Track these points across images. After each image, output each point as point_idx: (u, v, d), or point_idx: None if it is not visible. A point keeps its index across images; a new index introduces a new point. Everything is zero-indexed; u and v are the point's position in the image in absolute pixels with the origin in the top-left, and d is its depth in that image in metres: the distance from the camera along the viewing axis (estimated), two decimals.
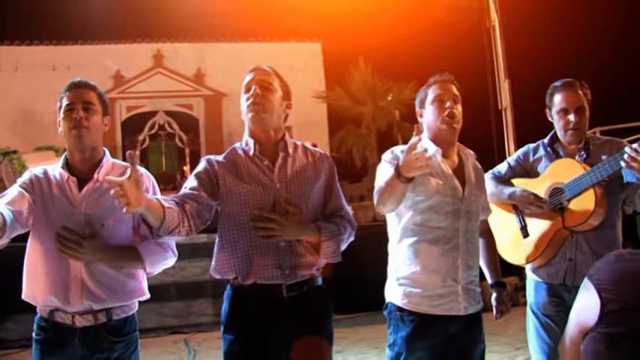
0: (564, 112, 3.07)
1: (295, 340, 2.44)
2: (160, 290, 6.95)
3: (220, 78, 14.11)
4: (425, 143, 2.75)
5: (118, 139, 14.21)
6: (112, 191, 2.08)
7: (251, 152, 2.53)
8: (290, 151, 2.57)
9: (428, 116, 2.79)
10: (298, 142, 2.66)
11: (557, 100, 3.10)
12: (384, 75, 13.44)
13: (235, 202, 2.46)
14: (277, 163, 2.52)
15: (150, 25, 13.96)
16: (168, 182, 12.68)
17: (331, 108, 14.29)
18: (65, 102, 2.52)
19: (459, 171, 2.76)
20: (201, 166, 2.55)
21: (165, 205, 2.28)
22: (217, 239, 2.53)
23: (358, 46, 13.08)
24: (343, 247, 2.63)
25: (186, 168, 12.77)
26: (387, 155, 2.79)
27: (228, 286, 2.53)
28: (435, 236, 2.68)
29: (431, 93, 2.78)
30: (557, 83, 3.14)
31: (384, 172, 2.67)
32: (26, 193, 2.50)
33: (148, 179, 2.62)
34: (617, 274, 1.95)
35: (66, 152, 2.61)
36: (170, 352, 6.40)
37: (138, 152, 2.22)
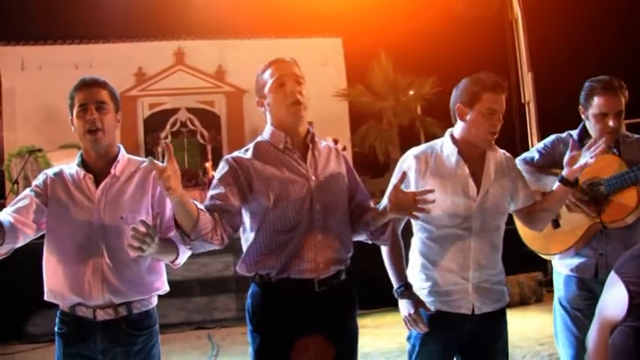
0: (603, 116, 2.94)
1: (322, 334, 2.42)
2: (183, 286, 7.00)
3: (241, 74, 14.14)
4: (445, 141, 2.75)
5: (140, 136, 14.36)
6: (153, 172, 2.10)
7: (281, 145, 2.46)
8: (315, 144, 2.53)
9: (472, 121, 2.66)
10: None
11: (597, 103, 2.94)
12: (405, 69, 13.41)
13: (276, 196, 2.37)
14: (308, 156, 2.47)
15: (171, 22, 14.06)
16: (191, 179, 12.79)
17: (352, 104, 14.29)
18: (78, 102, 2.51)
19: (479, 169, 2.71)
20: (224, 168, 2.43)
21: (200, 207, 2.23)
22: (251, 235, 2.44)
23: (379, 41, 13.07)
24: None
25: (208, 164, 12.85)
26: (408, 161, 2.76)
27: (255, 283, 2.49)
28: (445, 235, 2.66)
29: (486, 100, 2.62)
30: (597, 84, 2.96)
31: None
32: (35, 198, 2.52)
33: None
34: None
35: (81, 151, 2.62)
36: (194, 347, 6.44)
37: (171, 145, 2.18)
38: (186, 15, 13.45)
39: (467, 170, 2.67)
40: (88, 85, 2.54)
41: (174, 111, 14.88)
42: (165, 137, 14.44)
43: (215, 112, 15.11)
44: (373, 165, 13.68)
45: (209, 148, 14.21)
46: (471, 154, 2.71)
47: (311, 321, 2.40)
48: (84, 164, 2.57)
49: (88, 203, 2.49)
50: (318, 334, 2.42)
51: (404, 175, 2.41)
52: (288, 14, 12.75)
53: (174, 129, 14.73)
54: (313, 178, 2.43)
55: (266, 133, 2.52)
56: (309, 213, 2.38)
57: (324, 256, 2.40)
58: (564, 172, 2.70)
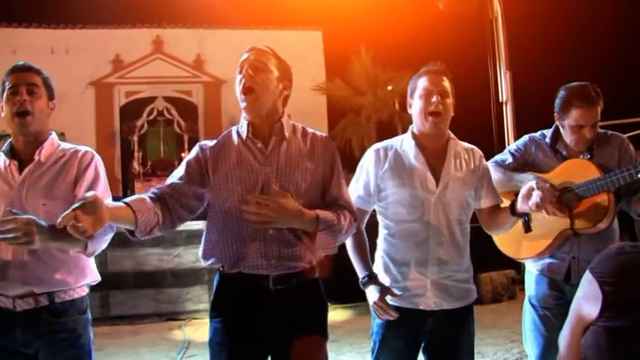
0: (580, 127, 2.93)
1: (282, 337, 2.35)
2: (155, 277, 6.92)
3: (220, 65, 14.02)
4: (406, 136, 2.77)
5: (116, 124, 14.15)
6: (68, 228, 1.92)
7: (244, 135, 2.44)
8: (287, 134, 2.45)
9: (414, 109, 2.72)
10: (299, 125, 2.54)
11: (574, 115, 2.92)
12: (385, 65, 13.40)
13: (221, 188, 2.38)
14: (270, 146, 2.41)
15: (150, 10, 13.87)
16: (166, 168, 12.66)
17: (331, 98, 14.26)
18: (8, 85, 2.48)
19: (438, 162, 2.71)
20: (193, 152, 2.48)
21: (136, 208, 2.18)
22: (206, 224, 2.47)
23: (359, 35, 13.03)
24: (343, 239, 2.50)
25: (184, 154, 12.73)
26: (368, 155, 2.78)
27: (218, 273, 2.48)
28: (404, 229, 2.67)
29: (420, 85, 2.69)
30: (574, 97, 2.92)
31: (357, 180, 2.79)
32: None
33: (92, 157, 2.54)
34: (618, 267, 1.93)
35: (11, 138, 2.55)
36: (165, 338, 6.39)
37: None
38: (165, 3, 13.29)
39: (425, 163, 2.67)
40: (21, 70, 2.53)
41: (151, 99, 14.68)
42: (142, 125, 14.25)
43: (192, 102, 14.95)
44: (350, 159, 13.65)
45: (185, 137, 14.06)
46: (431, 147, 2.72)
47: (268, 321, 2.34)
48: (12, 151, 2.52)
49: (11, 191, 2.43)
50: (278, 335, 2.36)
51: None
52: (268, 5, 12.66)
53: (151, 118, 14.53)
54: (268, 169, 2.37)
55: (240, 121, 2.50)
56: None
57: (276, 251, 2.33)
58: (518, 204, 2.72)
